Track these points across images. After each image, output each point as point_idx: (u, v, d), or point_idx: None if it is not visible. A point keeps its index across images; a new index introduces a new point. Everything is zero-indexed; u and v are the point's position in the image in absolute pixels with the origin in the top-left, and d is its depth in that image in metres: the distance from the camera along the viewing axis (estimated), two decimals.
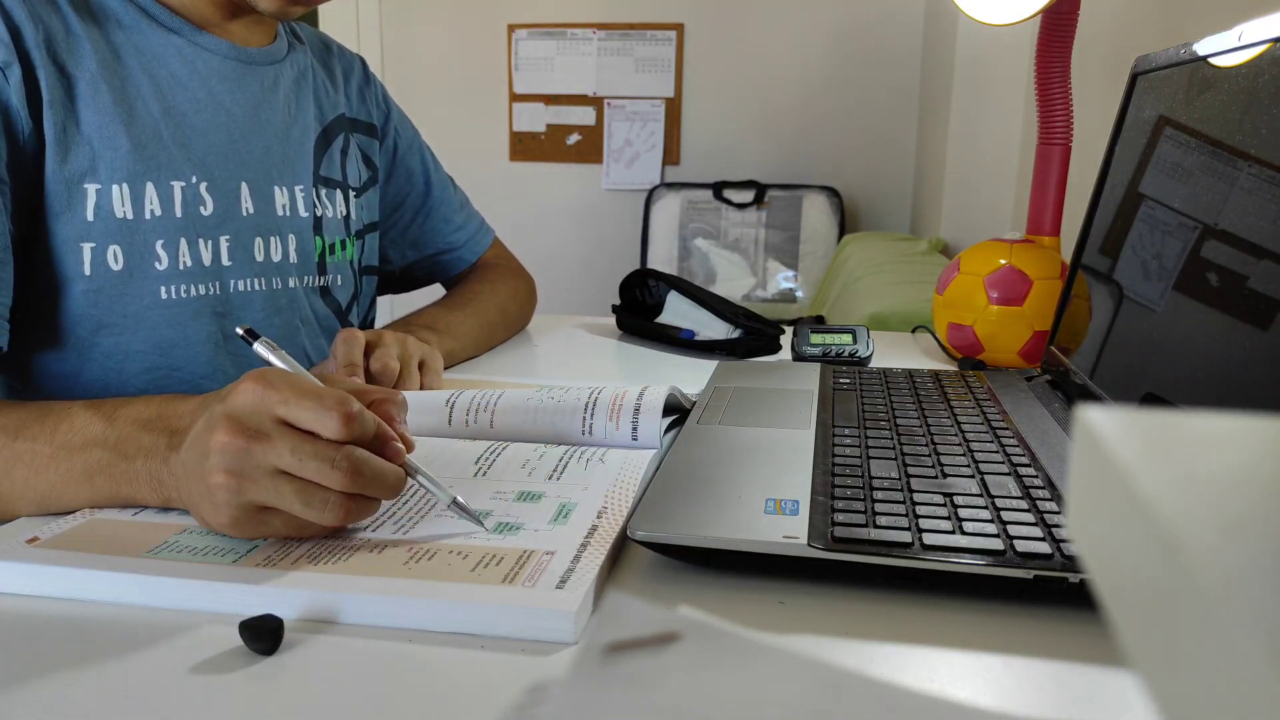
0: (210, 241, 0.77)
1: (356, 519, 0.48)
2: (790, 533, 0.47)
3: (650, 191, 3.10)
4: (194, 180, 0.76)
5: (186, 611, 0.45)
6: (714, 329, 1.03)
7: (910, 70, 2.98)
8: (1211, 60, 0.62)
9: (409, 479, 0.50)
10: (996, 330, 0.90)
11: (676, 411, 0.72)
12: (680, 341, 1.04)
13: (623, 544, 0.52)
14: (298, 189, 0.85)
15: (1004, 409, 0.70)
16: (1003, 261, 0.91)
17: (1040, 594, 0.45)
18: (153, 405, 0.56)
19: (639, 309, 1.12)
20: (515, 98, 3.18)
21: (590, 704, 0.20)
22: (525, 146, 3.21)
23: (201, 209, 0.76)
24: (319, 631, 0.43)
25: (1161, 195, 0.67)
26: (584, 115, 3.17)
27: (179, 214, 0.74)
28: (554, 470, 0.60)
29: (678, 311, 1.08)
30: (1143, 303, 0.66)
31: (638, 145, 3.15)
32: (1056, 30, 0.93)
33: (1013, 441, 0.62)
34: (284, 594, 0.44)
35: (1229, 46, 0.60)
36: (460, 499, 0.51)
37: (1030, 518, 0.49)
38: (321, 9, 3.27)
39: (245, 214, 0.80)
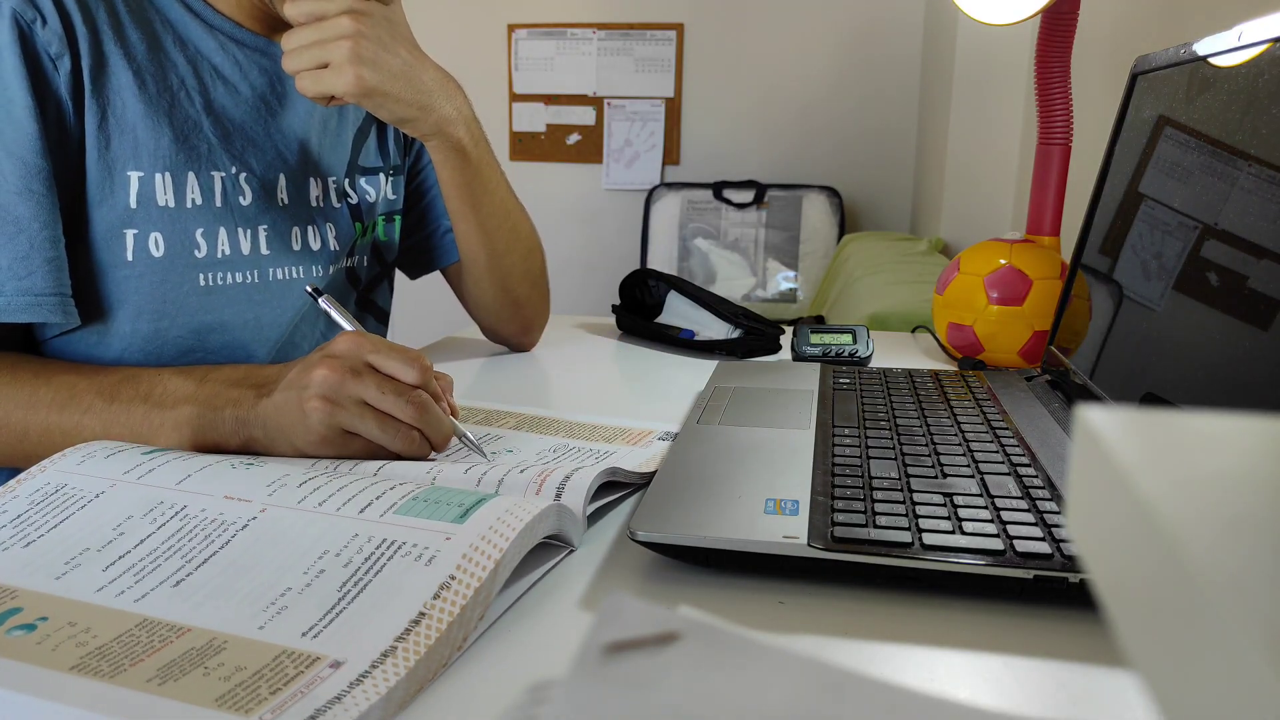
0: (249, 231, 0.79)
1: (417, 453, 0.59)
2: (790, 533, 0.47)
3: (650, 191, 3.10)
4: (234, 171, 0.78)
5: None
6: (714, 329, 1.03)
7: (910, 70, 2.98)
8: (1211, 60, 0.62)
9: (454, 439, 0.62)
10: (996, 330, 0.90)
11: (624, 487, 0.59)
12: (680, 342, 1.04)
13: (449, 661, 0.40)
14: (330, 180, 0.87)
15: (1004, 409, 0.70)
16: (1003, 261, 0.91)
17: (1040, 594, 0.45)
18: (240, 369, 0.65)
19: (639, 309, 1.12)
20: (515, 97, 3.18)
21: (590, 704, 0.20)
22: (525, 146, 3.21)
23: (241, 199, 0.78)
24: None
25: (1161, 195, 0.67)
26: (584, 115, 3.17)
27: (219, 203, 0.76)
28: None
29: (678, 312, 1.08)
30: (1143, 302, 0.66)
31: (638, 145, 3.15)
32: (1056, 30, 0.93)
33: (1013, 441, 0.62)
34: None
35: (1229, 46, 0.60)
36: (485, 455, 0.62)
37: (1030, 518, 0.49)
38: None
39: (282, 204, 0.82)
